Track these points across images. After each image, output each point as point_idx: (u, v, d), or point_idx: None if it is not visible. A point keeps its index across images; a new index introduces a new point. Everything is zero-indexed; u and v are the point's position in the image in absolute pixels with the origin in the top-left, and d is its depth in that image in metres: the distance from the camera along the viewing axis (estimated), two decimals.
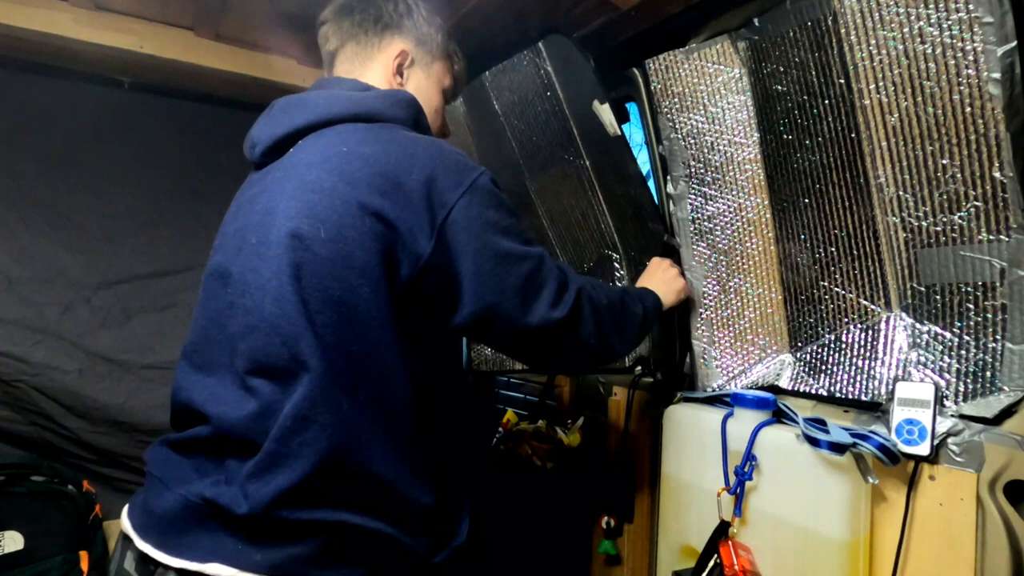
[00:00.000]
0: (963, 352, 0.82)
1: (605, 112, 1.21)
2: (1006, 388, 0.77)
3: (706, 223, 1.12)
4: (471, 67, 1.44)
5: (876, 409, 0.89)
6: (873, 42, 0.82)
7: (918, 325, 0.87)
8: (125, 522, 0.75)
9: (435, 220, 0.71)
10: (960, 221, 0.80)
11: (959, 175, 0.78)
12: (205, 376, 0.77)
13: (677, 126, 1.12)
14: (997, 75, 0.72)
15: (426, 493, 0.75)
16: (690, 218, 1.14)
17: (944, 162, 0.79)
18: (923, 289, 0.86)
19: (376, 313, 0.70)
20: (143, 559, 0.70)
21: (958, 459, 0.78)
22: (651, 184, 1.24)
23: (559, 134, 1.30)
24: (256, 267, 0.73)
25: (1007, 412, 0.76)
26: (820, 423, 0.85)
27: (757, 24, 0.97)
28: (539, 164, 1.41)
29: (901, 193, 0.85)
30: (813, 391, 0.99)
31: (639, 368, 1.30)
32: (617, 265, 1.37)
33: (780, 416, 0.92)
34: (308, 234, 0.69)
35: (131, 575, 0.72)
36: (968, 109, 0.75)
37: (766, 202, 1.04)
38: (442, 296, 0.74)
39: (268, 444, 0.67)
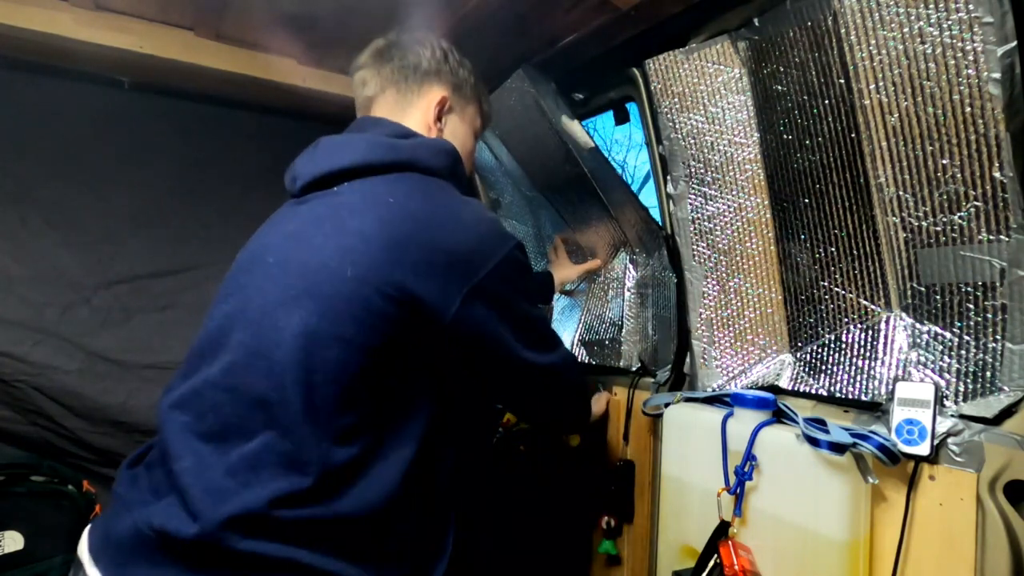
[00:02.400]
0: (963, 352, 0.82)
1: (575, 127, 1.26)
2: (1006, 388, 0.77)
3: (706, 223, 1.12)
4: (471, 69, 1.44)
5: (876, 409, 0.89)
6: (873, 42, 0.82)
7: (918, 325, 0.87)
8: (82, 546, 0.73)
9: (467, 284, 0.74)
10: (960, 221, 0.80)
11: (959, 175, 0.78)
12: (183, 381, 0.77)
13: (677, 126, 1.12)
14: (997, 75, 0.72)
15: (404, 525, 0.74)
16: (690, 218, 1.14)
17: (944, 162, 0.79)
18: (923, 289, 0.86)
19: (379, 357, 0.71)
20: None
21: (958, 459, 0.78)
22: (652, 184, 1.26)
23: (557, 149, 1.33)
24: (264, 287, 0.74)
25: (1007, 412, 0.76)
26: (820, 423, 0.85)
27: (757, 24, 0.97)
28: (545, 176, 1.46)
29: (901, 193, 0.85)
30: (813, 391, 0.99)
31: (639, 368, 1.30)
32: (631, 266, 1.39)
33: (780, 416, 0.92)
34: (336, 270, 0.71)
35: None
36: (968, 109, 0.75)
37: (766, 202, 1.04)
38: (461, 349, 0.78)
39: (228, 472, 0.67)
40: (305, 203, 0.82)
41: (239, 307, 0.76)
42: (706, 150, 1.09)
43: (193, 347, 0.81)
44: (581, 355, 1.50)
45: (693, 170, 1.12)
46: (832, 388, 0.97)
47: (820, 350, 1.00)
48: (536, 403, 0.96)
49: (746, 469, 0.88)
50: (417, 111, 0.93)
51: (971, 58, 0.74)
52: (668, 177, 1.17)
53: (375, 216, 0.74)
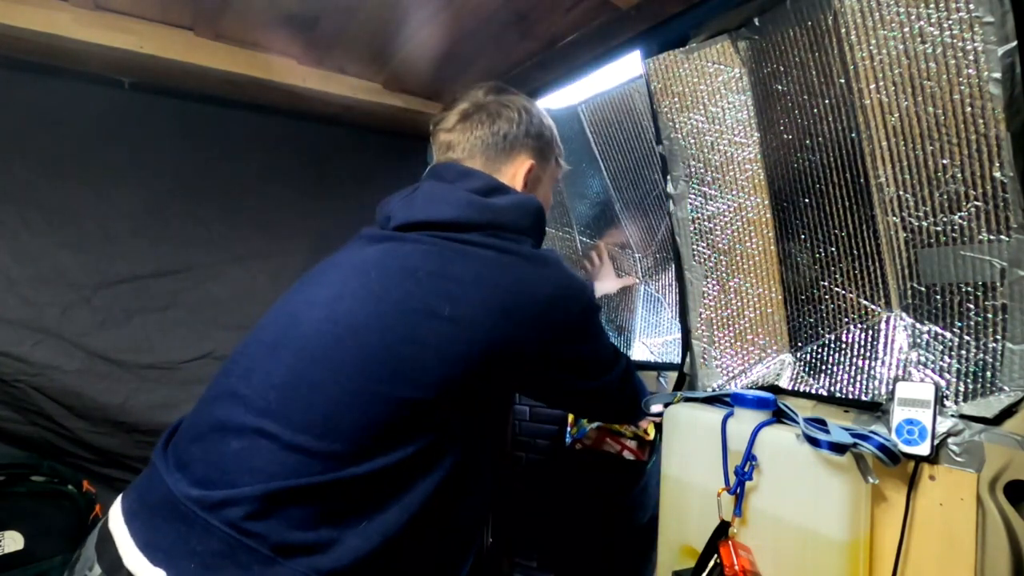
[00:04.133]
0: (963, 352, 0.82)
1: None
2: (1006, 388, 0.77)
3: (706, 223, 1.12)
4: (470, 70, 1.44)
5: (876, 409, 0.89)
6: (873, 42, 0.82)
7: (918, 325, 0.87)
8: (115, 509, 0.75)
9: (554, 331, 0.85)
10: (960, 221, 0.80)
11: (959, 175, 0.78)
12: (244, 381, 0.79)
13: (677, 126, 1.12)
14: (997, 75, 0.72)
15: (430, 533, 0.77)
16: (690, 218, 1.14)
17: (944, 162, 0.79)
18: (923, 289, 0.86)
19: (449, 389, 0.77)
20: (105, 538, 0.72)
21: (958, 459, 0.78)
22: None
23: (648, 155, 1.40)
24: (359, 295, 0.81)
25: (1007, 412, 0.76)
26: (820, 423, 0.85)
27: (757, 24, 0.97)
28: (631, 180, 1.49)
29: (901, 193, 0.85)
30: (813, 391, 0.99)
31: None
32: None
33: (780, 416, 0.92)
34: (435, 307, 0.77)
35: (91, 560, 0.72)
36: (968, 109, 0.75)
37: (766, 202, 1.04)
38: (528, 387, 0.92)
39: (274, 452, 0.70)
40: (409, 241, 0.87)
41: (328, 301, 0.81)
42: (706, 150, 1.09)
43: (265, 319, 0.86)
44: (645, 354, 1.52)
45: (693, 170, 1.12)
46: (832, 388, 0.97)
47: (820, 350, 1.00)
48: (591, 412, 1.16)
49: (746, 469, 0.88)
50: (505, 177, 0.99)
51: (971, 58, 0.74)
52: (668, 177, 1.17)
53: (472, 266, 0.82)
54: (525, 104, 1.03)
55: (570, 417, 1.44)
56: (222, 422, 0.75)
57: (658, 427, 1.30)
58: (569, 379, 0.91)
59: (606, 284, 1.49)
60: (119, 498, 0.77)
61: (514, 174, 1.00)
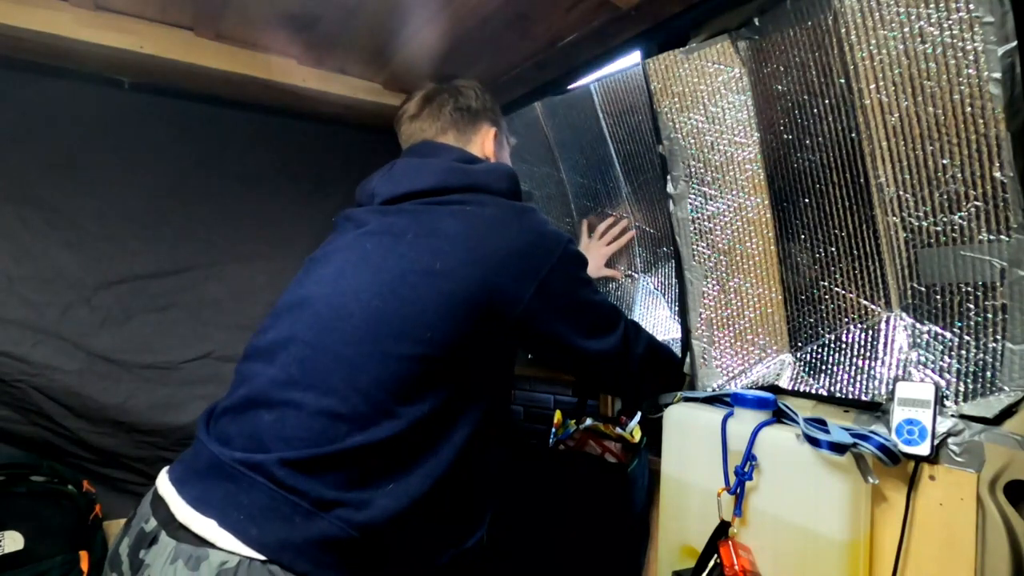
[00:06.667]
0: (963, 352, 0.82)
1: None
2: (1006, 388, 0.77)
3: (706, 223, 1.12)
4: (470, 70, 1.44)
5: (876, 409, 0.89)
6: (873, 42, 0.82)
7: (918, 325, 0.87)
8: (162, 478, 0.80)
9: (538, 275, 0.88)
10: (960, 221, 0.80)
11: (959, 175, 0.78)
12: (267, 362, 0.84)
13: (677, 126, 1.12)
14: (997, 75, 0.72)
15: (451, 495, 0.83)
16: (690, 218, 1.14)
17: (944, 162, 0.79)
18: (923, 289, 0.86)
19: (454, 344, 0.82)
20: (158, 501, 0.77)
21: (958, 459, 0.78)
22: None
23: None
24: (359, 268, 0.87)
25: (1007, 412, 0.76)
26: (820, 423, 0.85)
27: (757, 24, 0.97)
28: (637, 166, 1.48)
29: (901, 193, 0.85)
30: (813, 391, 0.99)
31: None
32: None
33: (780, 416, 0.92)
34: (428, 265, 0.83)
35: (147, 515, 0.77)
36: (968, 109, 0.75)
37: (766, 202, 1.04)
38: (527, 339, 0.92)
39: (308, 421, 0.76)
40: (393, 212, 0.94)
41: (332, 279, 0.87)
42: (706, 150, 1.09)
43: (278, 306, 0.92)
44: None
45: (693, 170, 1.12)
46: (832, 388, 0.97)
47: (820, 350, 1.00)
48: (610, 382, 1.15)
49: (746, 469, 0.88)
50: (475, 146, 1.08)
51: (971, 58, 0.74)
52: (668, 177, 1.17)
53: (456, 222, 0.87)
54: (476, 82, 1.13)
55: (556, 417, 1.43)
56: (253, 399, 0.81)
57: (644, 430, 1.30)
58: (563, 333, 0.92)
59: (591, 259, 1.46)
60: (164, 471, 0.82)
61: (482, 142, 1.09)
